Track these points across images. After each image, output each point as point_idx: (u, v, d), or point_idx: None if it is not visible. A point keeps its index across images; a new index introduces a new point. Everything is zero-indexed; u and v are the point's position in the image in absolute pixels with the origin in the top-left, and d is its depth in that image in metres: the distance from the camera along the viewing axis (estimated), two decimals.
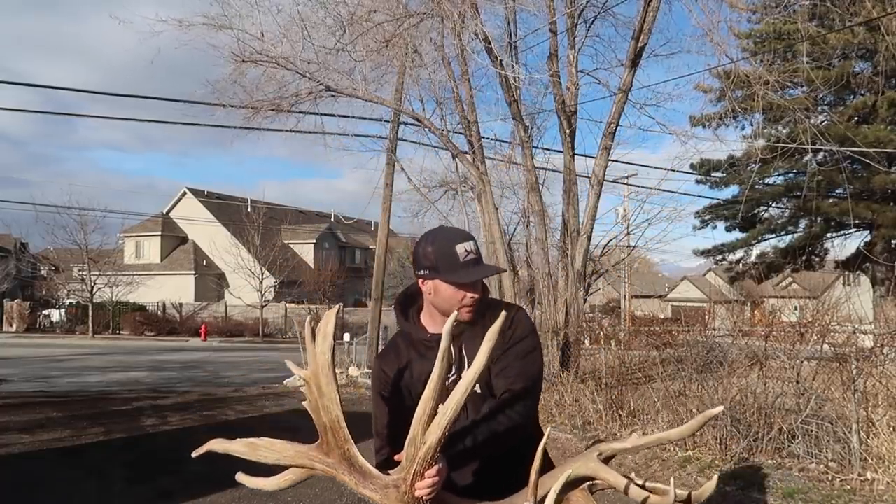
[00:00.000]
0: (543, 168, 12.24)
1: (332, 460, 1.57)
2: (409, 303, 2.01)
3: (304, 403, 1.64)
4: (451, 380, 1.85)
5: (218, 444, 1.68)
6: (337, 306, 1.77)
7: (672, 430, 1.64)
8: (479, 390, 1.86)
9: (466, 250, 1.86)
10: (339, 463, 1.56)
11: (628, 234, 15.37)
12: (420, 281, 1.92)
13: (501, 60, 8.88)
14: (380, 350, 2.00)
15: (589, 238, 9.81)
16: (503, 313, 1.56)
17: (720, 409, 1.67)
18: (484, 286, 1.93)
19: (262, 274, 30.65)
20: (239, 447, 1.62)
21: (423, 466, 1.49)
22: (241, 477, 1.69)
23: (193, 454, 1.74)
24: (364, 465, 1.55)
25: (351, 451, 1.56)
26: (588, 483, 1.63)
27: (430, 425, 1.49)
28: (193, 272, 35.88)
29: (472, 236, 1.93)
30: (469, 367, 1.78)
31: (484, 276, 1.91)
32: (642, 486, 1.56)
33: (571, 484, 1.61)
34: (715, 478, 1.59)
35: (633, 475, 1.57)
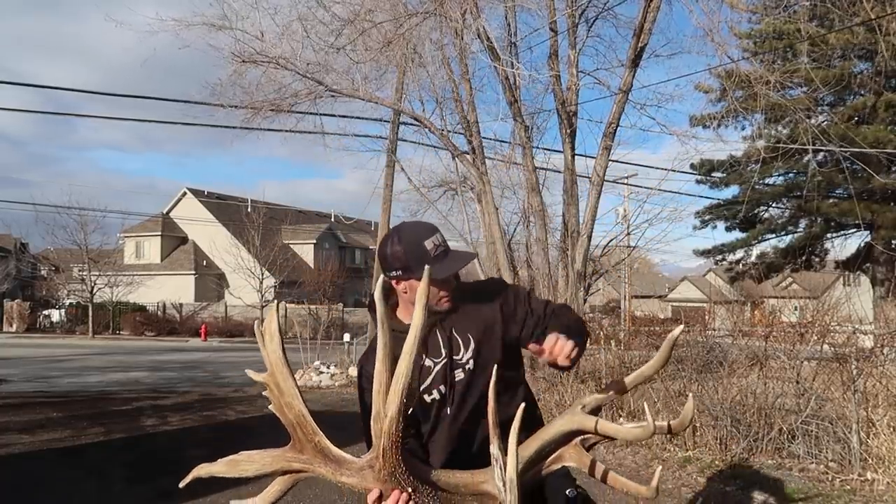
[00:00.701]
0: (544, 168, 12.24)
1: (307, 456, 1.56)
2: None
3: (270, 407, 1.63)
4: (440, 363, 1.88)
5: (201, 470, 1.70)
6: (276, 303, 1.80)
7: (647, 364, 1.64)
8: (471, 367, 1.88)
9: (435, 244, 1.86)
10: (313, 457, 1.56)
11: (628, 234, 15.34)
12: (394, 281, 1.92)
13: (502, 59, 8.88)
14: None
15: (589, 238, 9.80)
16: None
17: (680, 328, 1.68)
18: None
19: (262, 274, 30.65)
20: (220, 468, 1.64)
21: (390, 439, 1.46)
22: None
23: (181, 484, 1.75)
24: (337, 453, 1.55)
25: (322, 443, 1.55)
26: (580, 438, 1.63)
27: (388, 397, 1.47)
28: (193, 272, 35.88)
29: (436, 228, 1.94)
30: (463, 350, 1.88)
31: (458, 268, 1.89)
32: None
33: (560, 440, 1.62)
34: (690, 397, 1.58)
35: (622, 420, 1.58)
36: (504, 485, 1.42)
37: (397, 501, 1.49)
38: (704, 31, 8.95)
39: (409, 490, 1.49)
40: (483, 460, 1.56)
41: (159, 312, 32.64)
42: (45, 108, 59.04)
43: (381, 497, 1.51)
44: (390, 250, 1.89)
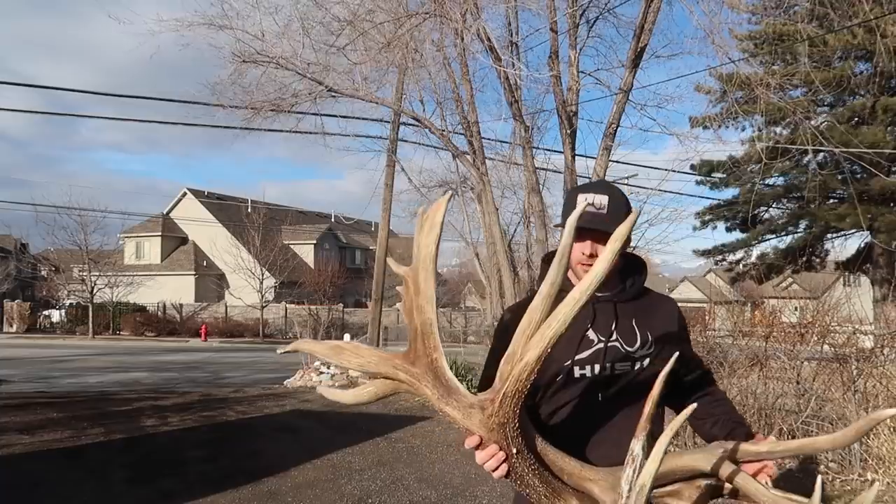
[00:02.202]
0: (544, 168, 12.26)
1: (418, 370, 1.39)
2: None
3: (399, 306, 1.54)
4: (603, 343, 1.73)
5: (304, 345, 1.54)
6: (449, 194, 1.63)
7: (823, 437, 1.36)
8: (643, 365, 1.75)
9: (588, 201, 1.70)
10: (424, 373, 1.38)
11: None
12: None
13: (503, 60, 8.88)
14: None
15: None
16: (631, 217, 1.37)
17: (892, 411, 1.29)
18: (630, 257, 1.85)
19: (263, 274, 30.66)
20: (323, 349, 1.49)
21: (516, 386, 1.28)
22: (321, 389, 1.60)
23: (279, 351, 1.63)
24: (451, 379, 1.37)
25: (438, 362, 1.37)
26: (706, 482, 1.43)
27: (531, 339, 1.29)
28: (194, 273, 35.88)
29: (608, 189, 1.78)
30: (639, 344, 1.74)
31: (588, 224, 1.66)
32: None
33: (685, 476, 1.42)
34: (875, 485, 1.39)
35: (766, 481, 1.42)
36: (630, 489, 1.26)
37: (493, 457, 1.32)
38: (705, 31, 8.95)
39: (514, 451, 1.32)
40: (595, 460, 1.47)
41: (159, 313, 32.64)
42: (47, 108, 59.06)
43: (480, 444, 1.34)
44: None
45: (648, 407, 1.29)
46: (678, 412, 1.70)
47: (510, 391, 1.29)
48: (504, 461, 1.32)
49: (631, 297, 1.81)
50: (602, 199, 1.71)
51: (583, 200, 1.69)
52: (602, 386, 1.73)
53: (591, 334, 1.73)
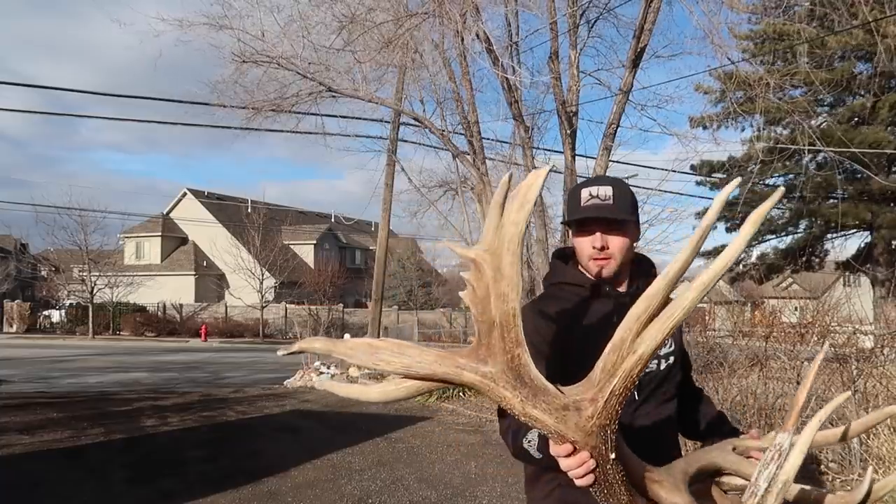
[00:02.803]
0: None
1: (492, 369, 1.15)
2: (565, 260, 1.83)
3: (462, 294, 1.19)
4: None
5: (317, 343, 1.20)
6: (549, 166, 1.32)
7: (834, 430, 1.39)
8: (670, 363, 1.73)
9: (591, 194, 1.66)
10: (501, 373, 1.15)
11: None
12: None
13: (502, 63, 8.88)
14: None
15: None
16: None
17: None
18: (639, 255, 1.80)
19: (263, 275, 30.66)
20: (344, 349, 1.18)
21: (625, 383, 1.10)
22: (329, 384, 1.26)
23: (280, 352, 1.28)
24: (537, 377, 1.15)
25: (522, 358, 1.15)
26: (717, 480, 1.41)
27: (646, 329, 1.11)
28: (194, 273, 35.89)
29: (611, 181, 1.73)
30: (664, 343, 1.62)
31: (595, 214, 1.64)
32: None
33: (698, 476, 1.37)
34: (870, 469, 1.39)
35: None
36: (771, 485, 1.13)
37: (584, 464, 1.15)
38: (705, 32, 8.97)
39: (611, 456, 1.15)
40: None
41: (159, 313, 32.64)
42: (47, 108, 59.06)
43: (574, 451, 1.15)
44: None
45: (802, 395, 1.18)
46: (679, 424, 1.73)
47: (618, 389, 1.10)
48: (594, 469, 1.16)
49: (600, 274, 1.75)
50: (606, 190, 1.67)
51: (587, 194, 1.67)
52: (639, 386, 1.70)
53: None
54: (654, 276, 1.77)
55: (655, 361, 1.69)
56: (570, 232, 1.75)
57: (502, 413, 1.59)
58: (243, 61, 9.66)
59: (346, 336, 15.19)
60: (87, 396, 10.99)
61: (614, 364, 1.11)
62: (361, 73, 9.68)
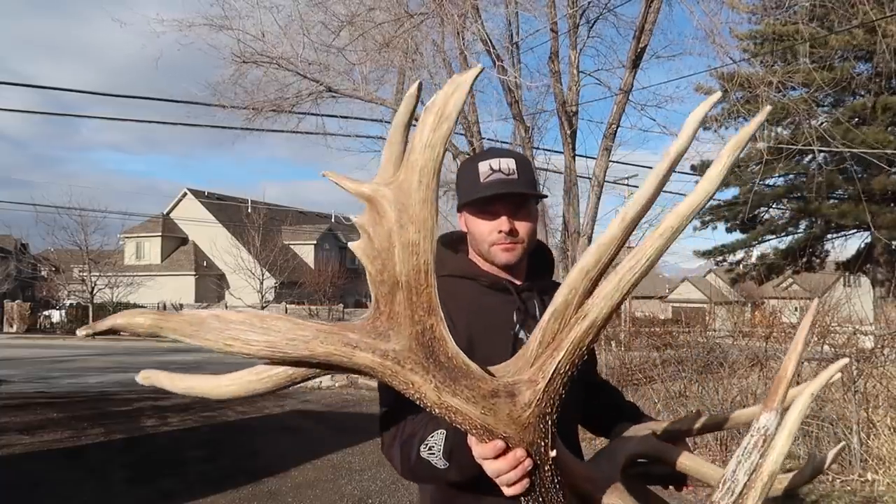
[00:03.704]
0: (544, 169, 12.25)
1: (396, 346, 0.85)
2: (451, 247, 1.56)
3: (352, 245, 0.89)
4: (514, 333, 1.42)
5: (145, 318, 0.84)
6: (478, 67, 0.93)
7: (740, 411, 1.28)
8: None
9: (492, 167, 1.40)
10: (408, 351, 0.84)
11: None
12: (460, 220, 1.50)
13: (502, 65, 8.88)
14: None
15: (589, 239, 9.80)
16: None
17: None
18: (540, 243, 1.57)
19: (263, 275, 30.67)
20: (180, 325, 0.85)
21: (571, 358, 0.85)
22: (152, 376, 0.88)
23: (79, 332, 0.89)
24: (457, 355, 0.86)
25: (437, 330, 0.85)
26: (637, 471, 1.30)
27: (598, 287, 0.87)
28: (194, 273, 35.89)
29: (510, 152, 1.49)
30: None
31: (504, 189, 1.38)
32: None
33: (624, 467, 1.23)
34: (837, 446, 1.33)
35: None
36: (752, 478, 0.90)
37: (518, 466, 0.89)
38: (705, 32, 8.98)
39: (551, 454, 0.91)
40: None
41: None
42: (47, 108, 59.07)
43: (506, 450, 0.89)
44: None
45: (793, 364, 0.95)
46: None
47: (564, 366, 0.85)
48: (530, 472, 0.90)
49: (550, 286, 1.46)
50: (509, 163, 1.41)
51: (486, 167, 1.40)
52: None
53: (523, 335, 1.41)
54: (553, 264, 1.62)
55: None
56: (463, 214, 1.49)
57: (386, 422, 1.34)
58: (243, 62, 9.67)
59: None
60: (88, 396, 10.99)
61: (556, 334, 0.86)
62: (361, 74, 9.69)
